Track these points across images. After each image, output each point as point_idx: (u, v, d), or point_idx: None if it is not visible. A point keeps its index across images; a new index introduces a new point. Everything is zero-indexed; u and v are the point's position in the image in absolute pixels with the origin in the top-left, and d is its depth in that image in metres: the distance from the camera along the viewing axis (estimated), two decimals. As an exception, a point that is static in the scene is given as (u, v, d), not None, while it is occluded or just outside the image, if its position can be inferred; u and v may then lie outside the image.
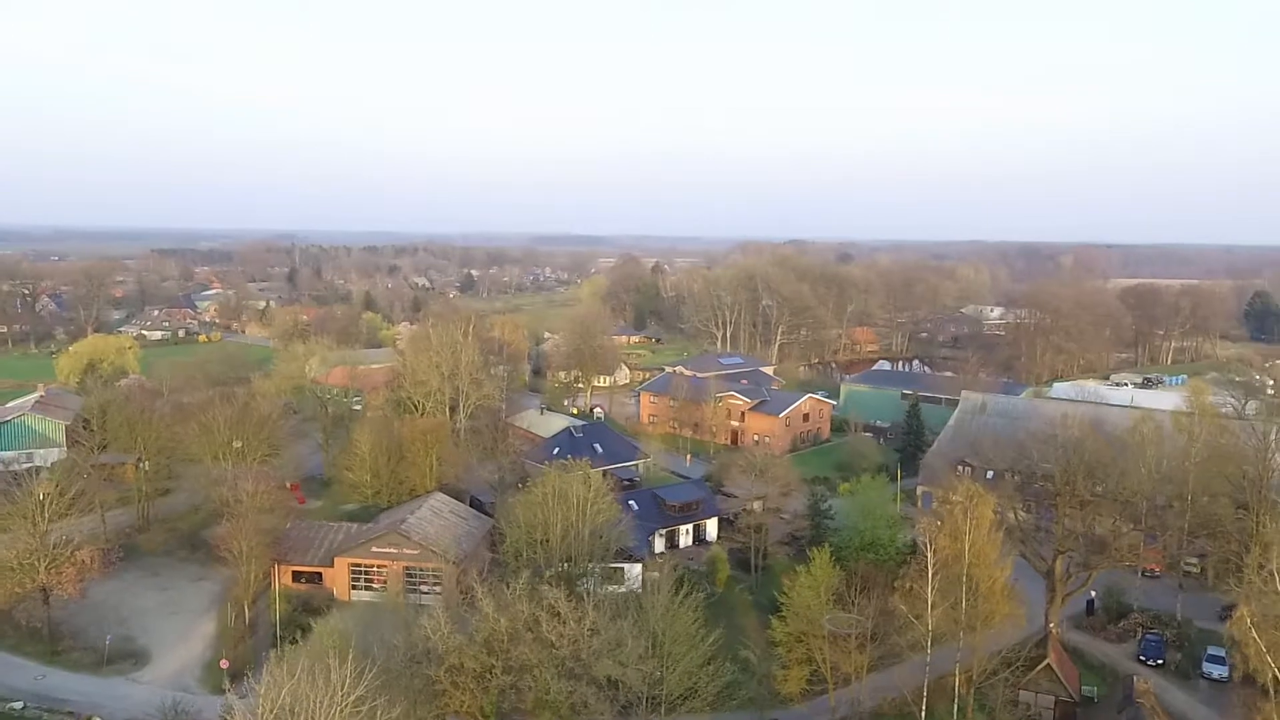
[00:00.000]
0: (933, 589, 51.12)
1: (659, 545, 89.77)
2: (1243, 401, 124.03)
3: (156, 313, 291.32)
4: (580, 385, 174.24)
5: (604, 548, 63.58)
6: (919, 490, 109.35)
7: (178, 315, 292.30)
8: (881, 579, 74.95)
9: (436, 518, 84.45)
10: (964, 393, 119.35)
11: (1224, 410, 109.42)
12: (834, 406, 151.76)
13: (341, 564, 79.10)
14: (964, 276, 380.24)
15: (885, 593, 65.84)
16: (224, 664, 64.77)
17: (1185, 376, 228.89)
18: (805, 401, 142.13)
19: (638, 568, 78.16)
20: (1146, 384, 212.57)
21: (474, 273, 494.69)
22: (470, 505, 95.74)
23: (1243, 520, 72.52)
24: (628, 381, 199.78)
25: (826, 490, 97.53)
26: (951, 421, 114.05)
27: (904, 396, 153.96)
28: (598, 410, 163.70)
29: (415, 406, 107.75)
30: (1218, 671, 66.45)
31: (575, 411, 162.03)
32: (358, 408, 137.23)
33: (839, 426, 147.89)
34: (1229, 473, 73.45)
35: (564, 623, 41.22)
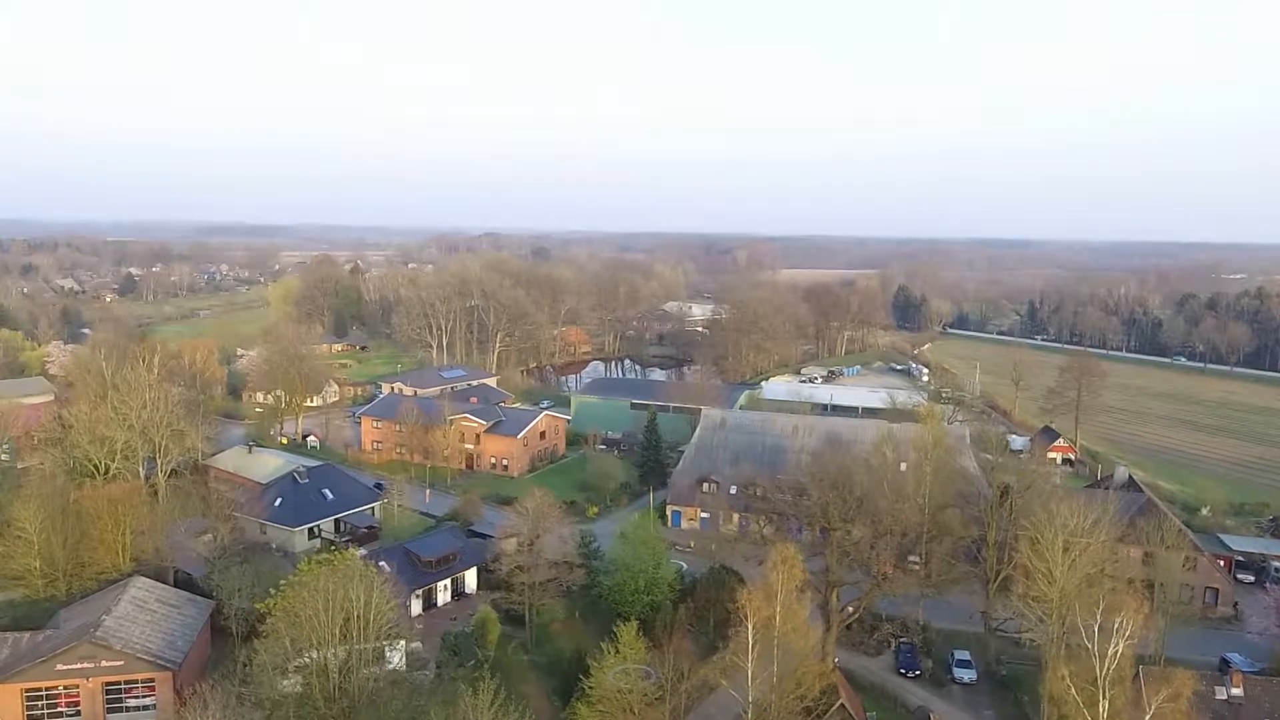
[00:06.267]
0: (752, 659, 49.27)
1: (416, 607, 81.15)
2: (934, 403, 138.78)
3: None
4: (288, 409, 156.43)
5: (382, 653, 54.84)
6: (668, 509, 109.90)
7: None
8: (662, 621, 73.33)
9: (141, 612, 69.30)
10: (705, 410, 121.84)
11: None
12: (567, 421, 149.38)
13: (11, 691, 61.93)
14: (662, 274, 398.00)
15: (668, 635, 64.05)
16: None
17: (859, 367, 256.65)
18: (542, 419, 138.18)
19: (400, 644, 69.51)
20: (831, 376, 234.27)
21: (134, 272, 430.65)
22: (177, 583, 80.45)
23: (968, 528, 79.32)
24: (338, 399, 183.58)
25: (589, 532, 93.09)
26: (694, 439, 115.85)
27: (634, 405, 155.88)
28: (311, 439, 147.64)
29: (96, 468, 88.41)
30: (967, 675, 72.23)
31: (284, 441, 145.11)
32: (5, 458, 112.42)
33: (573, 439, 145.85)
34: (960, 487, 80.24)
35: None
